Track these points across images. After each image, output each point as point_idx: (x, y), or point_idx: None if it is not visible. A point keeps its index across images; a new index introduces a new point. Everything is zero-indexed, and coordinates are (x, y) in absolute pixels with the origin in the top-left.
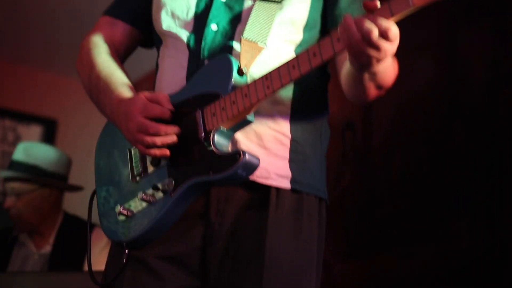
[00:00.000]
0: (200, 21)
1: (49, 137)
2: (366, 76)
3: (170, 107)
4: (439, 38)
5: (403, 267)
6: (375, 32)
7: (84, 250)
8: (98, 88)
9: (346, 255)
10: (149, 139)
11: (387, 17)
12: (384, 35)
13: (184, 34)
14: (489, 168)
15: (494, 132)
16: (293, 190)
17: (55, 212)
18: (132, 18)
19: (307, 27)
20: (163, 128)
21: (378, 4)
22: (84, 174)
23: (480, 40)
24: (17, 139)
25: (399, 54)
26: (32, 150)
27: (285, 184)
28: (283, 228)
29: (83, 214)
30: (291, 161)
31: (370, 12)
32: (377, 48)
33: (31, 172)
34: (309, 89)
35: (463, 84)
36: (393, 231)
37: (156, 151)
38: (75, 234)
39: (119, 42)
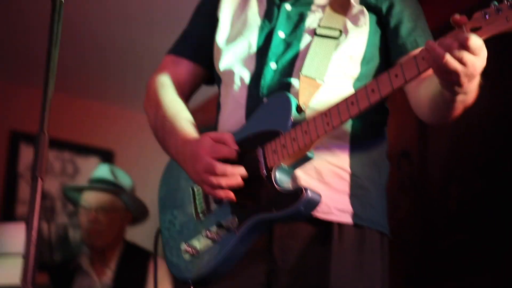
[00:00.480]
0: (260, 59)
1: None
2: (460, 97)
3: (236, 147)
4: (493, 67)
5: None
6: (454, 44)
7: (144, 280)
8: (164, 129)
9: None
10: (215, 180)
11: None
12: (464, 46)
13: (243, 73)
14: None
15: None
16: (355, 225)
17: (120, 238)
18: (195, 56)
19: (364, 61)
20: (229, 169)
21: (464, 19)
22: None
23: None
24: (76, 171)
25: None
26: (118, 173)
27: (347, 219)
28: (346, 264)
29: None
30: (352, 196)
31: (459, 27)
32: (461, 61)
33: (118, 191)
34: (368, 123)
35: None
36: (451, 263)
37: (221, 193)
38: (136, 263)
39: (184, 80)
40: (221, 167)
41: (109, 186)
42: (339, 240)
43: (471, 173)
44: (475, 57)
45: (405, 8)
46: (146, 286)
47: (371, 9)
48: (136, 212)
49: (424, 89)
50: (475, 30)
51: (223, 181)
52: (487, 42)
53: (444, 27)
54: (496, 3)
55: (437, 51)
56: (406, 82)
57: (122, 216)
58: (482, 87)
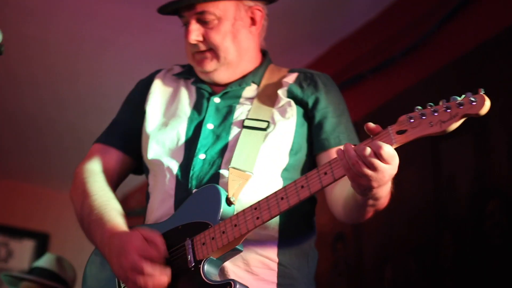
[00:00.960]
0: (188, 150)
1: (41, 251)
2: (370, 201)
3: (165, 250)
4: (423, 151)
5: None
6: (367, 150)
7: None
8: (90, 218)
9: None
10: (142, 279)
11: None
12: (377, 154)
13: (172, 164)
14: (477, 280)
15: (482, 244)
16: None
17: None
18: (124, 146)
19: (292, 152)
20: (157, 270)
21: (379, 128)
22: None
23: (463, 153)
24: (9, 255)
25: None
26: (65, 264)
27: None
28: None
29: None
30: (279, 286)
31: (372, 134)
32: (373, 167)
33: (51, 278)
34: (296, 214)
35: (449, 196)
36: None
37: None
38: None
39: (113, 170)
40: (149, 268)
41: (53, 281)
42: None
43: (403, 255)
44: (387, 165)
45: (329, 104)
46: None
47: (298, 102)
48: None
49: (339, 190)
50: (401, 132)
51: (150, 282)
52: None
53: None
54: (419, 107)
55: (351, 154)
56: (335, 180)
57: None
58: (412, 170)
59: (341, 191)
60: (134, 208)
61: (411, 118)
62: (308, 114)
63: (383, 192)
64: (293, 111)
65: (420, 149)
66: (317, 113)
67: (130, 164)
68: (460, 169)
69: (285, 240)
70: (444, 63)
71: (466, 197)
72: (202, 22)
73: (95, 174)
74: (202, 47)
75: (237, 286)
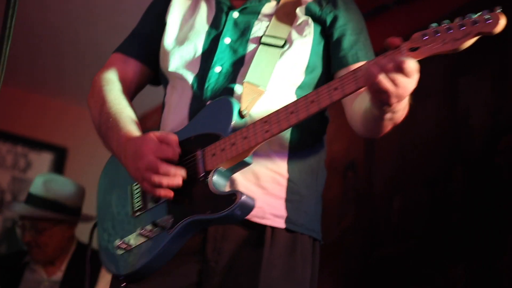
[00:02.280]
0: (205, 63)
1: (59, 165)
2: (388, 115)
3: (179, 150)
4: (441, 86)
5: None
6: (390, 65)
7: (94, 278)
8: (107, 124)
9: None
10: (156, 179)
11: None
12: (399, 68)
13: (189, 75)
14: (486, 214)
15: (493, 179)
16: (287, 230)
17: (69, 243)
18: (143, 56)
19: (307, 70)
20: (172, 170)
21: (399, 41)
22: (91, 201)
23: (481, 89)
24: (28, 166)
25: None
26: (51, 185)
27: (280, 224)
28: (276, 267)
29: (82, 237)
30: (287, 201)
31: (395, 48)
32: (394, 82)
33: (51, 208)
34: (307, 131)
35: (464, 131)
36: (391, 273)
37: (161, 191)
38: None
39: (130, 79)
40: (164, 166)
41: (38, 209)
42: (270, 245)
43: (414, 187)
44: (408, 79)
45: (349, 21)
46: (97, 285)
47: (316, 20)
48: (77, 219)
49: (357, 104)
50: (413, 50)
51: (165, 181)
52: (437, 62)
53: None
54: (434, 25)
55: (371, 70)
56: (345, 96)
57: (61, 229)
58: (429, 104)
59: (359, 106)
60: (151, 127)
61: (424, 35)
62: (325, 32)
63: (401, 105)
64: (311, 29)
65: (438, 83)
66: (335, 31)
67: (148, 75)
68: (476, 104)
69: (295, 156)
70: None
71: (480, 131)
72: None
73: (112, 82)
74: None
75: (243, 197)
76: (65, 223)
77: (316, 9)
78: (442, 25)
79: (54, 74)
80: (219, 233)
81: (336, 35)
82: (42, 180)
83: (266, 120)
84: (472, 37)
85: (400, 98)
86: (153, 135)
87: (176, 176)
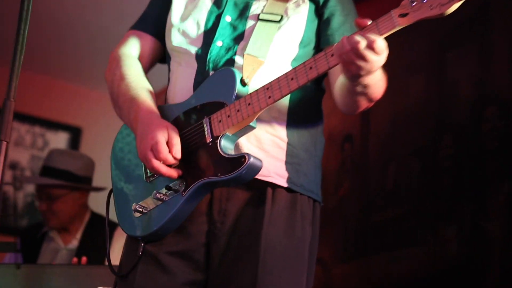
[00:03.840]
0: (207, 38)
1: (74, 143)
2: (359, 88)
3: (178, 155)
4: (429, 60)
5: (396, 268)
6: (362, 43)
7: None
8: (125, 96)
9: (344, 257)
10: (156, 164)
11: (375, 33)
12: (370, 46)
13: (192, 49)
14: (474, 178)
15: (479, 145)
16: (288, 189)
17: (82, 211)
18: (156, 32)
19: (302, 44)
20: (163, 169)
21: (368, 22)
22: (106, 177)
23: (467, 62)
24: (45, 145)
25: (393, 74)
26: (63, 157)
27: (282, 183)
28: (277, 225)
29: (97, 210)
30: (287, 163)
31: (361, 29)
32: (364, 58)
33: (64, 178)
34: (304, 100)
35: (451, 102)
36: (387, 236)
37: (160, 172)
38: (101, 231)
39: (146, 54)
40: (155, 163)
41: (52, 179)
42: (272, 203)
43: (406, 154)
44: (377, 56)
45: (339, 3)
46: (111, 249)
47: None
48: (87, 186)
49: (338, 81)
50: (402, 16)
51: (155, 169)
52: (426, 38)
53: None
54: None
55: (345, 47)
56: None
57: (73, 197)
58: (419, 76)
59: (339, 82)
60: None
61: (412, 1)
62: (318, 11)
63: (371, 80)
64: (306, 6)
65: (428, 57)
66: (326, 11)
67: (161, 50)
68: (463, 77)
69: (294, 122)
70: None
71: (466, 102)
72: None
73: (130, 58)
74: None
75: (251, 158)
76: (77, 191)
77: None
78: None
79: (68, 59)
80: (223, 195)
81: (326, 14)
82: (54, 153)
83: (268, 87)
84: (458, 1)
85: (369, 72)
86: (165, 129)
87: (168, 173)
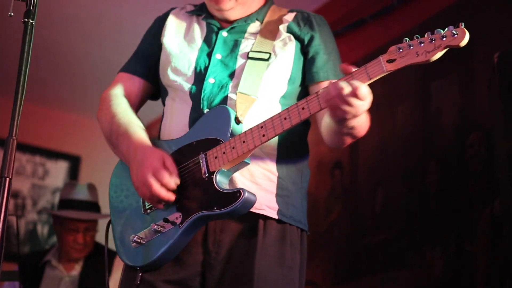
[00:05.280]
0: (199, 75)
1: (73, 172)
2: (344, 129)
3: (177, 182)
4: (415, 90)
5: None
6: (346, 89)
7: (109, 274)
8: (118, 132)
9: (335, 280)
10: (148, 193)
11: (364, 79)
12: (354, 93)
13: (186, 86)
14: (458, 202)
15: (462, 171)
16: (278, 220)
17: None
18: (146, 74)
19: (290, 81)
20: (163, 193)
21: (353, 68)
22: (104, 205)
23: (450, 92)
24: (45, 174)
25: (381, 102)
26: (94, 191)
27: (273, 215)
28: (269, 255)
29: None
30: (278, 195)
31: (348, 74)
32: (349, 103)
33: (96, 209)
34: (292, 135)
35: (436, 129)
36: (376, 258)
37: (153, 203)
38: (102, 259)
39: (135, 95)
40: (157, 188)
41: (93, 210)
42: (263, 234)
43: (394, 180)
44: (361, 101)
45: (322, 42)
46: (111, 277)
47: (296, 38)
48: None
49: (324, 119)
50: (390, 61)
51: (155, 198)
52: (411, 69)
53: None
54: (407, 39)
55: (331, 93)
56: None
57: (96, 227)
58: (405, 105)
59: (325, 119)
60: (154, 137)
61: (399, 48)
62: (303, 49)
63: (356, 123)
64: (292, 44)
65: (413, 87)
66: (311, 49)
67: (150, 90)
68: (446, 105)
69: (283, 157)
70: (436, 11)
71: (450, 129)
72: None
73: (120, 97)
74: None
75: (246, 194)
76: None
77: (296, 28)
78: (415, 39)
79: (66, 90)
80: (218, 227)
81: (311, 53)
82: (85, 188)
83: (262, 125)
84: (442, 50)
85: (354, 116)
86: (162, 155)
87: (168, 196)
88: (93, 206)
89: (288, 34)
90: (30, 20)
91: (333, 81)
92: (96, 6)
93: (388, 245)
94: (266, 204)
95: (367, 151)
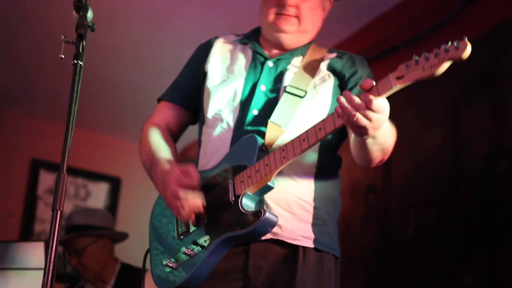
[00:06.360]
0: (243, 106)
1: (114, 193)
2: (369, 140)
3: (198, 179)
4: (446, 116)
5: None
6: (362, 105)
7: None
8: (151, 162)
9: None
10: (179, 203)
11: (375, 95)
12: (368, 106)
13: (229, 117)
14: (489, 229)
15: (493, 198)
16: (316, 249)
17: (111, 260)
18: (185, 103)
19: None
20: (190, 195)
21: (373, 83)
22: (143, 222)
23: (480, 118)
24: (87, 195)
25: (412, 128)
26: (81, 214)
27: (309, 244)
28: (308, 282)
29: (133, 261)
30: (314, 225)
31: (366, 91)
32: (367, 117)
33: (82, 230)
34: (327, 168)
35: (466, 156)
36: (407, 283)
37: (184, 215)
38: (131, 280)
39: (174, 123)
40: (182, 193)
41: (73, 231)
42: (303, 262)
43: (425, 205)
44: (378, 114)
45: (363, 76)
46: None
47: (336, 74)
48: (111, 234)
49: (351, 138)
50: (399, 78)
51: (186, 204)
52: (442, 95)
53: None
54: (416, 56)
55: (348, 110)
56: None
57: (98, 246)
58: (436, 132)
59: (352, 137)
60: (192, 158)
61: (408, 65)
62: (342, 84)
63: (379, 132)
64: (331, 81)
65: (444, 113)
66: (351, 82)
67: (189, 118)
68: (476, 131)
69: (319, 189)
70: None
71: (480, 156)
72: None
73: (156, 129)
74: (292, 12)
75: (266, 213)
76: (100, 240)
77: (338, 64)
78: (422, 56)
79: (106, 114)
80: (259, 253)
81: (350, 84)
82: (72, 213)
83: (284, 148)
84: (446, 63)
85: (374, 129)
86: (176, 167)
87: (195, 199)
88: (78, 228)
89: (328, 72)
90: (79, 62)
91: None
92: (134, 34)
93: (420, 270)
94: (302, 234)
95: (399, 175)
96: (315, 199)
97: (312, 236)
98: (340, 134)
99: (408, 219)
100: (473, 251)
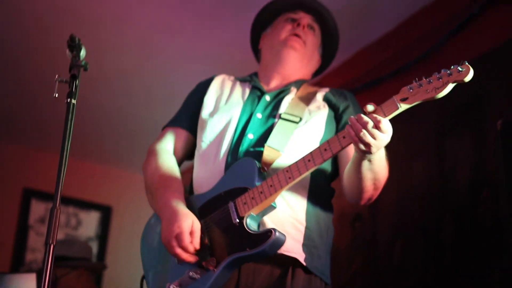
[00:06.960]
0: (240, 131)
1: (105, 222)
2: (366, 163)
3: (197, 245)
4: (430, 147)
5: None
6: (370, 123)
7: None
8: (157, 186)
9: None
10: (178, 251)
11: (382, 116)
12: (377, 126)
13: (223, 142)
14: (472, 257)
15: (476, 226)
16: (305, 270)
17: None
18: (189, 126)
19: (322, 141)
20: (184, 255)
21: (374, 107)
22: (134, 254)
23: (464, 149)
24: (78, 224)
25: (398, 158)
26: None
27: (301, 259)
28: None
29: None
30: (304, 245)
31: (370, 112)
32: (373, 136)
33: (59, 260)
34: (320, 194)
35: (450, 184)
36: None
37: (181, 259)
38: None
39: (180, 147)
40: (178, 250)
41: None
42: (291, 281)
43: (411, 233)
44: (383, 134)
45: (354, 112)
46: None
47: (331, 106)
48: (87, 265)
49: (346, 168)
50: (403, 99)
51: (185, 256)
52: (427, 127)
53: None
54: (416, 79)
55: (357, 126)
56: (352, 142)
57: (74, 276)
58: (421, 161)
59: (347, 168)
60: (187, 186)
61: (411, 88)
62: (336, 116)
63: (376, 156)
64: (326, 110)
65: (428, 144)
66: (345, 116)
67: (194, 142)
68: (460, 162)
69: (311, 210)
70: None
71: (464, 185)
72: (310, 26)
73: (165, 152)
74: (303, 34)
75: (277, 233)
76: (74, 271)
77: (332, 98)
78: (424, 79)
79: (97, 143)
80: (250, 270)
81: (344, 118)
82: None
83: (287, 170)
84: (448, 85)
85: (378, 148)
86: (191, 222)
87: (188, 257)
88: (60, 259)
89: (323, 102)
90: (72, 101)
91: (353, 117)
92: (122, 65)
93: None
94: (293, 251)
95: (385, 204)
96: (307, 220)
97: (302, 254)
98: (334, 167)
99: (394, 247)
100: (458, 279)
